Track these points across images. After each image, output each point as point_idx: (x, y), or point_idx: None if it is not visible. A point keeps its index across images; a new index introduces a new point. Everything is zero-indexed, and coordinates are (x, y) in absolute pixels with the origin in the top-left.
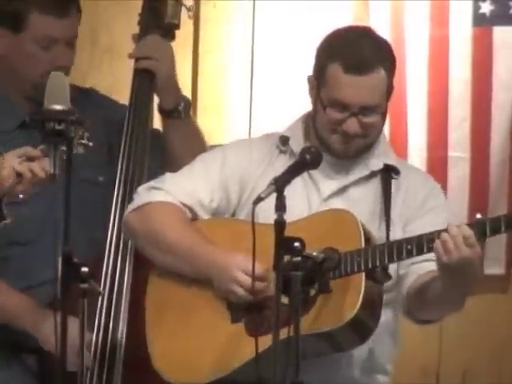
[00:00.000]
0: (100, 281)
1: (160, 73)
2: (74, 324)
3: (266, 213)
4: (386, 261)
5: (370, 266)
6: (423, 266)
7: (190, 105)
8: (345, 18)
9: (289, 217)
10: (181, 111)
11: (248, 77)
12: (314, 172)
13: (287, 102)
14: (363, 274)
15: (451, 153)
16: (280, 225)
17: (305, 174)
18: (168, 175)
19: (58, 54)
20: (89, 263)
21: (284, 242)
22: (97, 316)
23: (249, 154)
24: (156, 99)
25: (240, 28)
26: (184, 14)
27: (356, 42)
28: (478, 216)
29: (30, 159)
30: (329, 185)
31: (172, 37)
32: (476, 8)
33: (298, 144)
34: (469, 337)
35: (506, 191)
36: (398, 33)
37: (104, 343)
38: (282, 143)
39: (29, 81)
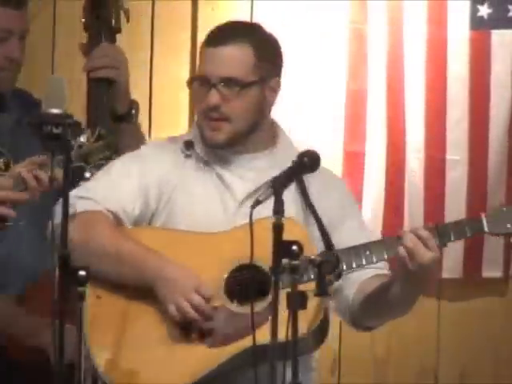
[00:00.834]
0: None
1: (121, 80)
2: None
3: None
4: (345, 268)
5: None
6: (363, 273)
7: (139, 108)
8: (342, 19)
9: (205, 222)
10: (133, 115)
11: None
12: (223, 173)
13: (285, 105)
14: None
15: (449, 154)
16: (278, 228)
17: (214, 176)
18: (91, 183)
19: (12, 46)
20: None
21: (282, 246)
22: None
23: (165, 158)
24: None
25: None
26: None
27: (223, 23)
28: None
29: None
30: (241, 186)
31: (115, 41)
32: (474, 11)
33: (201, 147)
34: (467, 337)
35: (503, 192)
36: (395, 34)
37: None
38: (187, 148)
39: None
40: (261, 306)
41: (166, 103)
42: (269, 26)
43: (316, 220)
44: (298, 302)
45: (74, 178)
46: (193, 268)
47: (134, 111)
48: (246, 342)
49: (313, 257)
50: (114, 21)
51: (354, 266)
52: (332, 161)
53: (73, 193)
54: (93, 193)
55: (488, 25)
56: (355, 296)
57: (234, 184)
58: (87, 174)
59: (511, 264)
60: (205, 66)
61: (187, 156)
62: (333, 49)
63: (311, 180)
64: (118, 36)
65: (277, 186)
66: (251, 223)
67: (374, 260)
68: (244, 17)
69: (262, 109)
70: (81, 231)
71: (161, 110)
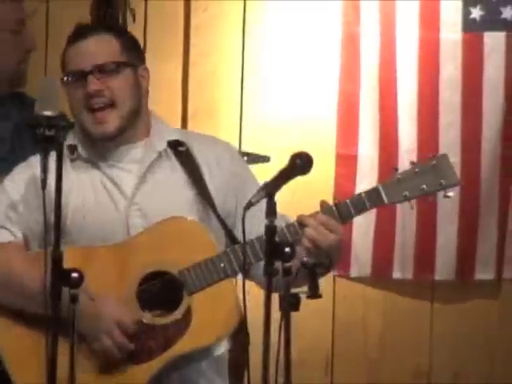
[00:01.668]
0: None
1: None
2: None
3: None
4: (253, 260)
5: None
6: None
7: None
8: (335, 20)
9: (99, 222)
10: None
11: (238, 81)
12: (108, 170)
13: (278, 106)
14: (231, 283)
15: None
16: (270, 230)
17: (100, 175)
18: None
19: (25, 37)
20: None
21: (275, 248)
22: None
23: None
24: None
25: (230, 32)
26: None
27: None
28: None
29: None
30: (127, 180)
31: None
32: (466, 13)
33: (84, 149)
34: (460, 338)
35: (496, 194)
36: (388, 35)
37: None
38: (71, 152)
39: (2, 73)
40: (178, 314)
41: (160, 105)
42: (261, 27)
43: (214, 213)
44: (290, 303)
45: None
46: (103, 285)
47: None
48: (170, 354)
49: (305, 259)
50: (120, 20)
51: (261, 256)
52: (324, 163)
53: None
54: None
55: (480, 27)
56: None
57: (119, 179)
58: None
59: (504, 266)
60: (75, 62)
61: (72, 160)
62: (325, 50)
63: (200, 155)
64: None
65: (269, 189)
66: (244, 224)
67: None
68: (236, 17)
69: (139, 93)
70: None
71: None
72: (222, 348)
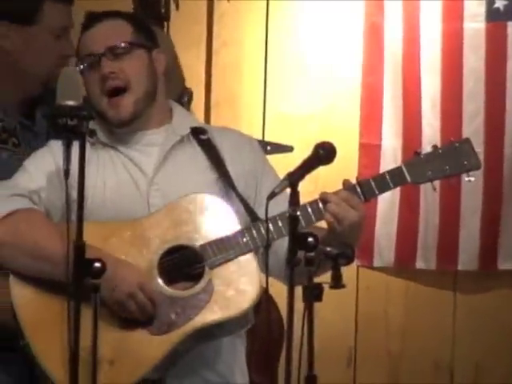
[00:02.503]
0: None
1: (168, 66)
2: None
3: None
4: (275, 236)
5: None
6: None
7: (192, 97)
8: (358, 12)
9: (120, 202)
10: (184, 103)
11: (262, 70)
12: (128, 152)
13: (301, 96)
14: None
15: None
16: (293, 220)
17: (121, 157)
18: (14, 181)
19: (66, 42)
20: None
21: (298, 238)
22: None
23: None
24: None
25: (254, 22)
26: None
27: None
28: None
29: None
30: (147, 162)
31: (163, 28)
32: (490, 3)
33: (103, 133)
34: (482, 331)
35: None
36: (411, 26)
37: None
38: (90, 136)
39: (38, 75)
40: (199, 287)
41: None
42: (285, 17)
43: (236, 194)
44: (313, 293)
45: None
46: (124, 258)
47: (185, 99)
48: (191, 326)
49: (328, 249)
50: (162, 6)
51: (284, 233)
52: (348, 153)
53: (7, 191)
54: (20, 189)
55: (504, 17)
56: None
57: (140, 161)
58: None
59: None
60: (88, 46)
61: (92, 144)
62: (348, 39)
63: (221, 144)
64: None
65: (292, 179)
66: (267, 214)
67: (304, 224)
68: (260, 7)
69: (154, 77)
70: (15, 231)
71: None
72: (242, 328)
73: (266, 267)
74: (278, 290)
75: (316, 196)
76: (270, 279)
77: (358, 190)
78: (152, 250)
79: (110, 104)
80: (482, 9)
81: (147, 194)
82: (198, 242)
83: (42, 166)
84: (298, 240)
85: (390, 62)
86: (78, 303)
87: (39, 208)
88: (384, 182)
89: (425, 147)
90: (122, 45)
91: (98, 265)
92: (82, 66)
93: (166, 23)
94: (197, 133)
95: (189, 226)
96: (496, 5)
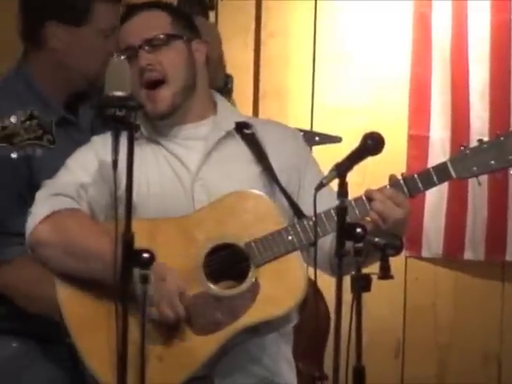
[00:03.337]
0: None
1: (214, 55)
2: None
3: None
4: (321, 234)
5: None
6: None
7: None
8: (406, 4)
9: (164, 200)
10: (229, 89)
11: (310, 62)
12: (172, 147)
13: (349, 87)
14: (298, 256)
15: None
16: (342, 211)
17: (164, 152)
18: (57, 179)
19: (114, 41)
20: None
21: (346, 229)
22: None
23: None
24: None
25: (302, 13)
26: None
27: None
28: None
29: None
30: (191, 157)
31: (208, 17)
32: None
33: (146, 127)
34: None
35: None
36: (460, 16)
37: None
38: (135, 130)
39: (84, 73)
40: (245, 286)
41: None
42: (332, 9)
43: (280, 188)
44: (361, 284)
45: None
46: (168, 257)
47: (230, 85)
48: (237, 325)
49: (376, 239)
50: None
51: (329, 230)
52: (396, 144)
53: (42, 192)
54: (63, 188)
55: None
56: (333, 243)
57: (183, 155)
58: (13, 155)
59: None
60: (125, 39)
61: (135, 139)
62: (397, 31)
63: (265, 138)
64: None
65: (340, 170)
66: (315, 205)
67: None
68: (308, 1)
69: (193, 68)
70: (60, 230)
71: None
72: (288, 324)
73: (314, 263)
74: (325, 282)
75: (364, 187)
76: (318, 271)
77: (404, 186)
78: (197, 248)
79: (148, 97)
80: None
81: (191, 189)
82: (244, 240)
83: (85, 163)
84: (346, 231)
85: (438, 53)
86: (125, 297)
87: (83, 207)
88: (429, 177)
89: (473, 139)
90: (159, 36)
91: (146, 255)
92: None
93: (214, 12)
94: (241, 127)
95: (234, 223)
96: None
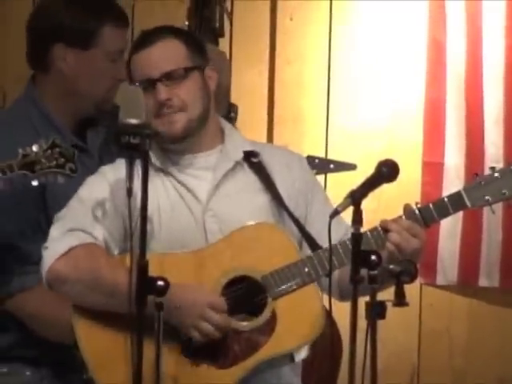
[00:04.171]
0: None
1: (222, 83)
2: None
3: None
4: (337, 265)
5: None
6: None
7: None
8: (420, 27)
9: (175, 231)
10: (232, 118)
11: (324, 88)
12: (181, 177)
13: (363, 113)
14: (314, 288)
15: None
16: (356, 238)
17: (173, 182)
18: (70, 213)
19: (121, 66)
20: None
21: (361, 256)
22: None
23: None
24: None
25: (317, 39)
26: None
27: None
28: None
29: None
30: (201, 187)
31: (217, 44)
32: None
33: (156, 156)
34: None
35: None
36: (474, 40)
37: None
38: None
39: (92, 98)
40: (263, 319)
41: (246, 111)
42: (346, 35)
43: (291, 217)
44: (376, 311)
45: (17, 185)
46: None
47: (233, 114)
48: (255, 359)
49: (391, 266)
50: (217, 22)
51: (345, 261)
52: (411, 171)
53: (57, 227)
54: (78, 222)
55: None
56: (341, 273)
57: (193, 186)
58: (34, 183)
59: None
60: (143, 70)
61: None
62: (411, 56)
63: (271, 165)
64: None
65: (355, 197)
66: (330, 233)
67: None
68: (322, 25)
69: (207, 96)
70: (77, 267)
71: (240, 117)
72: (303, 353)
73: (329, 294)
74: (339, 308)
75: (379, 213)
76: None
77: (419, 216)
78: (213, 281)
79: (162, 120)
80: None
81: (203, 220)
82: (260, 272)
83: (98, 195)
84: (361, 258)
85: (452, 78)
86: (140, 325)
87: (98, 241)
88: (444, 207)
89: (487, 165)
90: (178, 71)
91: (161, 283)
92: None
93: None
94: (248, 155)
95: (250, 256)
96: None
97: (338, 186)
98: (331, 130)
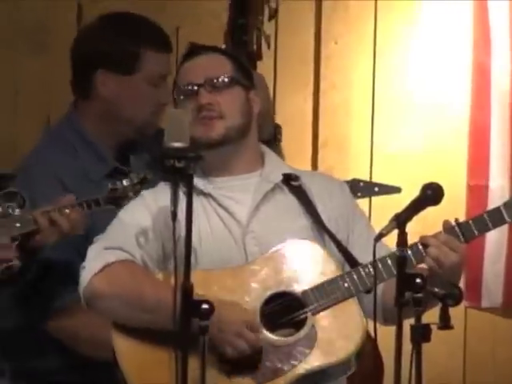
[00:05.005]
0: None
1: (263, 106)
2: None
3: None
4: (378, 281)
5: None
6: None
7: (281, 133)
8: (465, 49)
9: (216, 253)
10: (278, 139)
11: (369, 112)
12: (222, 200)
13: (408, 137)
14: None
15: None
16: (401, 260)
17: (214, 204)
18: (111, 233)
19: (163, 91)
20: None
21: (406, 279)
22: None
23: (166, 198)
24: None
25: (361, 63)
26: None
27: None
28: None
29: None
30: (241, 210)
31: (255, 67)
32: None
33: (197, 179)
34: None
35: None
36: None
37: None
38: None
39: (133, 122)
40: (303, 333)
41: (291, 135)
42: (391, 59)
43: (332, 239)
44: (421, 334)
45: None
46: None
47: (278, 135)
48: (295, 373)
49: (436, 290)
50: (255, 47)
51: (385, 277)
52: (455, 194)
53: (96, 246)
54: (116, 241)
55: None
56: (384, 296)
57: (233, 209)
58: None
59: None
60: (186, 77)
61: (184, 192)
62: (456, 79)
63: (312, 189)
64: None
65: (400, 220)
66: (374, 255)
67: None
68: (367, 48)
69: (249, 114)
70: (115, 282)
71: (285, 141)
72: (344, 373)
73: (374, 313)
74: (383, 331)
75: None
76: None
77: (458, 231)
78: (254, 297)
79: (200, 123)
80: None
81: (243, 242)
82: (300, 288)
83: (138, 218)
84: (405, 281)
85: (497, 101)
86: (186, 346)
87: (136, 259)
88: (483, 222)
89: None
90: (222, 78)
91: (206, 306)
92: (178, 96)
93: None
94: (288, 179)
95: (289, 272)
96: None
97: (383, 209)
98: (375, 154)
